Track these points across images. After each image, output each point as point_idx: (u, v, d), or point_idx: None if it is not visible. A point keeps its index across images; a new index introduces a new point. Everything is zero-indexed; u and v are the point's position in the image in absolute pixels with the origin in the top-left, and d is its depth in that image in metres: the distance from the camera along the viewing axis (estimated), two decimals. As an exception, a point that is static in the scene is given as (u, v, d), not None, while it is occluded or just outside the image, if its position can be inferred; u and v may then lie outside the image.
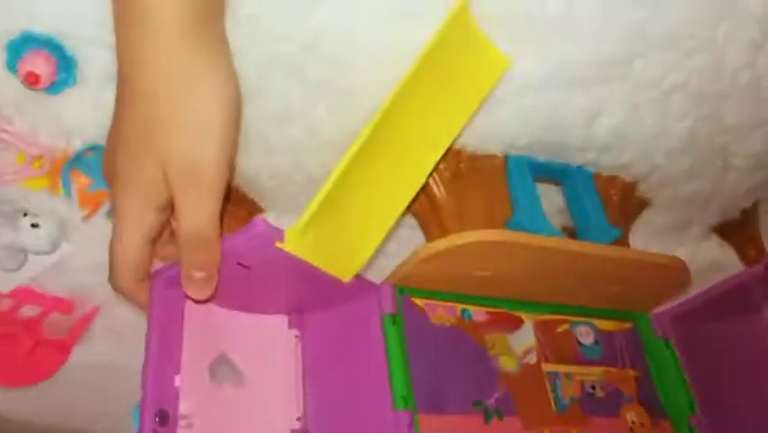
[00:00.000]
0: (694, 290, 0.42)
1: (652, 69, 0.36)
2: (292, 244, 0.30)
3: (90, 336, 0.45)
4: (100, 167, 0.31)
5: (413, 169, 0.35)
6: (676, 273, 0.39)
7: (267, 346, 0.34)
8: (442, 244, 0.35)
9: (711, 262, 0.47)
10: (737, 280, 0.39)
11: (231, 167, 0.29)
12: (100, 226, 0.39)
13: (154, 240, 0.30)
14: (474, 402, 0.35)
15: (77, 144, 0.35)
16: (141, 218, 0.29)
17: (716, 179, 0.43)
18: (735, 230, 0.46)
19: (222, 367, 0.33)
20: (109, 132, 0.30)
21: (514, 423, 0.35)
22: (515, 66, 0.35)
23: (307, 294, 0.35)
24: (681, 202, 0.44)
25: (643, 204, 0.45)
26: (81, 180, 0.37)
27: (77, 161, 0.36)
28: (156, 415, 0.27)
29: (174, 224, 0.31)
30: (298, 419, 0.33)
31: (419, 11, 0.32)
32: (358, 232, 0.34)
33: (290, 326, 0.36)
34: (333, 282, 0.33)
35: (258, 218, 0.29)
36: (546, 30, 0.33)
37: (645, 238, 0.47)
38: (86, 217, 0.38)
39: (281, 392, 0.33)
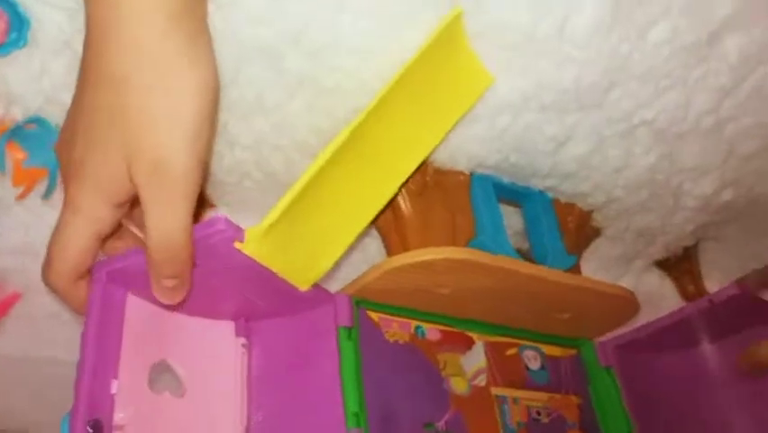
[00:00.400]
0: (634, 321, 0.43)
1: (625, 102, 0.37)
2: (252, 247, 0.28)
3: (4, 324, 0.41)
4: (40, 142, 0.28)
5: (384, 180, 0.34)
6: (626, 304, 0.40)
7: (211, 354, 0.32)
8: (406, 258, 0.34)
9: (651, 294, 0.48)
10: (682, 315, 0.40)
11: (204, 164, 0.26)
12: (31, 207, 0.36)
13: (105, 238, 0.27)
14: (425, 424, 0.34)
15: (18, 114, 0.31)
16: (95, 213, 0.26)
17: (666, 216, 0.44)
18: (675, 265, 0.48)
19: (162, 374, 0.30)
20: (69, 113, 0.27)
21: (462, 447, 0.34)
22: (496, 83, 0.35)
23: (258, 300, 0.32)
24: (631, 235, 0.45)
25: (595, 233, 0.45)
26: (17, 155, 0.33)
27: (15, 133, 0.32)
28: (88, 425, 0.24)
29: (125, 222, 0.28)
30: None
31: (411, 15, 0.31)
32: (320, 240, 0.32)
33: (237, 333, 0.33)
34: (288, 290, 0.31)
35: (219, 215, 0.27)
36: (534, 50, 0.33)
37: (593, 267, 0.48)
38: (20, 196, 0.34)
39: (224, 404, 0.31)
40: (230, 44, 0.29)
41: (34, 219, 0.36)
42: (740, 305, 0.38)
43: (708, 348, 0.42)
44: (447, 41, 0.32)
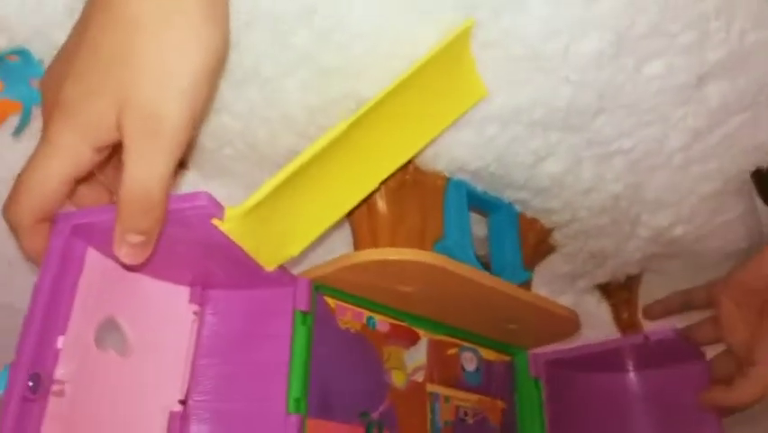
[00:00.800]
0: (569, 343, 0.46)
1: (608, 129, 0.38)
2: (229, 225, 0.27)
3: None
4: (19, 75, 0.26)
5: (366, 176, 0.34)
6: (569, 324, 0.42)
7: (161, 317, 0.31)
8: (374, 254, 0.34)
9: (588, 314, 0.51)
10: (616, 345, 0.42)
11: (195, 126, 0.25)
12: None
13: (77, 182, 0.26)
14: (360, 413, 0.35)
15: (2, 43, 0.28)
16: (74, 153, 0.25)
17: (619, 242, 0.46)
18: (615, 292, 0.50)
19: (110, 332, 0.29)
20: (64, 50, 0.25)
21: (392, 439, 0.36)
22: (493, 94, 0.35)
23: (219, 271, 0.32)
24: (584, 255, 0.47)
25: (550, 250, 0.47)
26: None
27: None
28: (30, 379, 0.23)
29: (97, 173, 0.27)
30: (181, 402, 0.30)
31: (427, 12, 0.30)
32: (294, 226, 0.32)
33: (191, 300, 0.33)
34: (253, 267, 0.31)
35: (202, 191, 0.26)
36: (537, 66, 0.33)
37: (537, 280, 0.50)
38: None
39: (168, 370, 0.31)
40: (242, 6, 0.27)
41: None
42: (672, 346, 0.41)
43: (632, 376, 0.45)
44: (453, 49, 0.32)
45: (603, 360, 0.44)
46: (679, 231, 0.46)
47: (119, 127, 0.24)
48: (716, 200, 0.45)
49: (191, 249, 0.29)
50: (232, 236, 0.28)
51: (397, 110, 0.32)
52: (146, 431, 0.29)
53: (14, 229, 0.26)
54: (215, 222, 0.26)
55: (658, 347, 0.41)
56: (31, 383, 0.24)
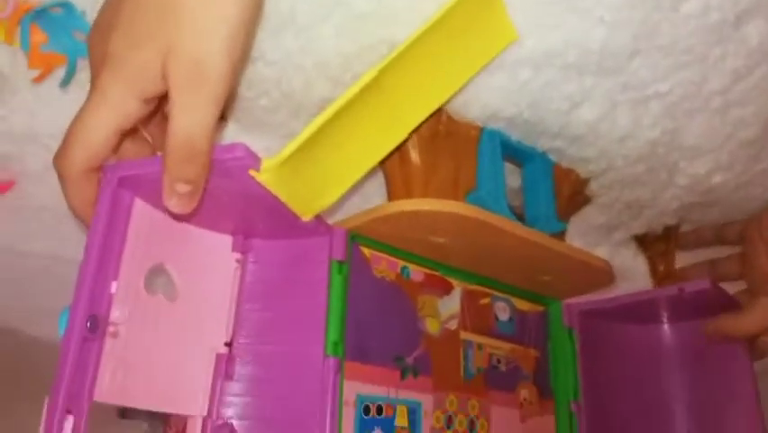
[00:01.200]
0: (604, 290, 0.46)
1: (644, 71, 0.37)
2: (265, 176, 0.28)
3: None
4: (63, 27, 0.27)
5: (398, 124, 0.34)
6: (604, 275, 0.42)
7: (206, 264, 0.33)
8: (408, 205, 0.34)
9: (623, 268, 0.51)
10: (650, 296, 0.42)
11: (236, 74, 0.26)
12: (41, 93, 0.34)
13: (125, 133, 0.27)
14: (395, 357, 0.36)
15: None
16: (122, 104, 0.26)
17: (656, 192, 0.46)
18: (652, 243, 0.50)
19: (158, 277, 0.31)
20: (109, 3, 0.26)
21: (425, 382, 0.37)
22: (524, 37, 0.34)
23: (260, 222, 0.33)
24: (620, 205, 0.47)
25: (586, 201, 0.47)
26: (36, 37, 0.32)
27: (39, 15, 0.31)
28: (87, 320, 0.25)
29: (140, 128, 0.28)
30: (226, 344, 0.32)
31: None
32: (329, 174, 0.32)
33: (234, 248, 0.34)
34: (290, 217, 0.32)
35: (239, 143, 0.27)
36: (569, 6, 0.33)
37: (573, 232, 0.50)
38: (37, 79, 0.33)
39: (213, 313, 0.32)
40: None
41: (42, 106, 0.35)
42: (707, 298, 0.40)
43: (666, 328, 0.45)
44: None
45: (638, 311, 0.44)
46: (717, 179, 0.45)
47: (165, 77, 0.25)
48: (755, 146, 0.43)
49: (233, 199, 0.30)
50: (268, 186, 0.29)
51: (427, 55, 0.32)
52: (194, 371, 0.31)
53: (62, 178, 0.28)
54: (252, 173, 0.27)
55: (693, 299, 0.41)
56: (88, 324, 0.25)
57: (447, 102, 0.37)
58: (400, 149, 0.37)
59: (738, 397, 0.41)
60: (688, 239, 0.50)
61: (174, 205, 0.27)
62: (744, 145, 0.43)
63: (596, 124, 0.40)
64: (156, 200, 0.30)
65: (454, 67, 0.35)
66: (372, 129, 0.33)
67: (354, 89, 0.30)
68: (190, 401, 0.30)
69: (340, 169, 0.33)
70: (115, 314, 0.27)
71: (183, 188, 0.26)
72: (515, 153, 0.42)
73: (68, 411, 0.24)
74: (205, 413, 0.30)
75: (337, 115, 0.30)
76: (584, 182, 0.45)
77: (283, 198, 0.30)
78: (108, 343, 0.27)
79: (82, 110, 0.27)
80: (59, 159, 0.27)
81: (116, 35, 0.25)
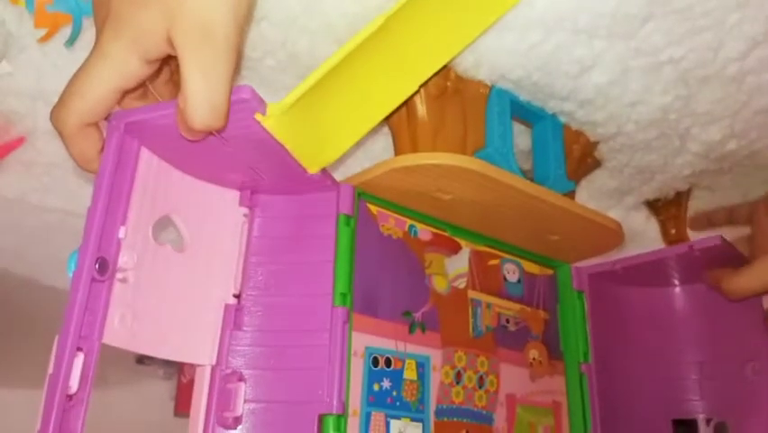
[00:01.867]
0: (613, 253, 0.46)
1: (657, 37, 0.36)
2: (271, 121, 0.28)
3: (4, 164, 0.41)
4: None
5: (405, 77, 0.34)
6: (612, 235, 0.42)
7: (213, 218, 0.33)
8: (415, 159, 0.34)
9: (634, 231, 0.50)
10: (660, 255, 0.42)
11: (243, 32, 0.26)
12: (48, 52, 0.35)
13: (125, 92, 0.27)
14: (404, 312, 0.36)
15: None
16: (123, 63, 0.26)
17: (668, 158, 0.45)
18: (664, 207, 0.49)
19: (166, 229, 0.31)
20: None
21: (434, 338, 0.37)
22: (537, -3, 0.34)
23: (265, 175, 0.33)
24: (630, 170, 0.46)
25: (596, 164, 0.46)
26: None
27: None
28: (96, 262, 0.26)
29: (149, 85, 0.28)
30: (235, 296, 0.32)
31: None
32: (336, 126, 0.32)
33: (241, 203, 0.34)
34: (297, 170, 0.32)
35: (245, 85, 0.27)
36: None
37: (585, 195, 0.49)
38: (43, 39, 0.34)
39: (221, 266, 0.33)
40: None
41: (49, 65, 0.36)
42: (717, 255, 0.40)
43: (677, 290, 0.45)
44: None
45: (648, 273, 0.44)
46: (731, 146, 0.45)
47: (170, 40, 0.25)
48: None
49: (239, 151, 0.30)
50: (274, 134, 0.29)
51: (435, 8, 0.32)
52: (203, 321, 0.31)
53: (59, 131, 0.28)
54: (259, 117, 0.28)
55: (704, 257, 0.40)
56: (97, 266, 0.26)
57: (454, 58, 0.37)
58: (408, 105, 0.37)
59: (755, 357, 0.41)
60: (699, 220, 0.50)
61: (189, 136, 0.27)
62: (759, 113, 0.42)
63: (606, 88, 0.39)
64: (162, 150, 0.30)
65: (462, 22, 0.35)
66: (381, 81, 0.33)
67: (361, 35, 0.30)
68: (199, 351, 0.31)
69: (348, 120, 0.33)
70: (123, 259, 0.27)
71: (198, 136, 0.27)
72: (524, 113, 0.41)
73: (79, 349, 0.24)
74: (213, 362, 0.31)
75: (344, 63, 0.29)
76: (594, 145, 0.45)
77: (289, 147, 0.30)
78: (117, 287, 0.27)
79: (83, 66, 0.27)
80: (56, 111, 0.28)
81: None
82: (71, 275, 0.25)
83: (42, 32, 0.34)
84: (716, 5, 0.35)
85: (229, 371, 0.31)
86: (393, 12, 0.30)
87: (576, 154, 0.44)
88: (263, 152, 0.30)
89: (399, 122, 0.38)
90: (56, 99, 0.37)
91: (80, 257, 0.26)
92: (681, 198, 0.49)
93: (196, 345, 0.31)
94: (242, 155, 0.31)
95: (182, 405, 0.62)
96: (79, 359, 0.24)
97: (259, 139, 0.29)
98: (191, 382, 0.62)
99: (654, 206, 0.49)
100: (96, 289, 0.26)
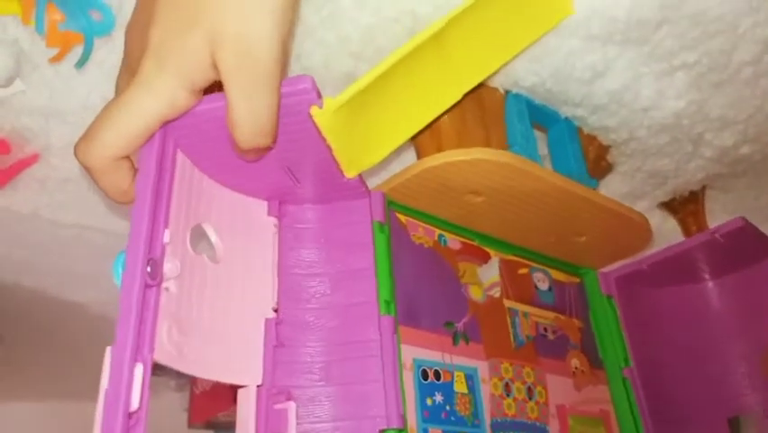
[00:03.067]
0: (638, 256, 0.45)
1: (670, 42, 0.37)
2: (325, 117, 0.27)
3: (17, 182, 0.40)
4: (80, 6, 0.27)
5: (452, 85, 0.34)
6: (640, 231, 0.42)
7: (243, 229, 0.32)
8: (449, 156, 0.34)
9: (655, 231, 0.50)
10: (683, 247, 0.42)
11: (287, 49, 0.26)
12: (60, 71, 0.35)
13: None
14: (445, 323, 0.35)
15: None
16: (169, 95, 0.25)
17: (680, 162, 0.46)
18: (681, 205, 0.50)
19: (200, 237, 0.29)
20: None
21: (478, 349, 0.36)
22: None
23: (302, 179, 0.32)
24: (643, 175, 0.47)
25: (609, 169, 0.47)
26: (54, 16, 0.31)
27: None
28: (148, 264, 0.24)
29: None
30: (274, 310, 0.31)
31: None
32: (380, 129, 0.32)
33: (269, 213, 0.33)
34: (333, 175, 0.31)
35: (306, 75, 0.26)
36: None
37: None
38: (55, 59, 0.33)
39: (256, 279, 0.31)
40: None
41: (62, 84, 0.35)
42: (742, 240, 0.40)
43: (708, 285, 0.45)
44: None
45: (677, 269, 0.43)
46: (745, 150, 0.45)
47: (217, 67, 0.24)
48: None
49: (281, 150, 0.29)
50: (324, 131, 0.28)
51: (486, 18, 0.32)
52: (244, 337, 0.29)
53: (90, 167, 0.26)
54: (314, 111, 0.27)
55: (729, 243, 0.40)
56: (149, 269, 0.24)
57: (498, 70, 0.37)
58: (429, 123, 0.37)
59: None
60: None
61: (244, 159, 0.28)
62: None
63: (619, 94, 0.40)
64: (196, 155, 0.29)
65: (510, 34, 0.35)
66: (424, 90, 0.33)
67: (418, 39, 0.29)
68: (243, 369, 0.28)
69: (391, 125, 0.32)
70: (168, 265, 0.25)
71: (252, 155, 0.27)
72: (539, 116, 0.42)
73: (137, 361, 0.22)
74: (259, 382, 0.28)
75: (397, 66, 0.29)
76: (606, 149, 0.45)
77: (334, 146, 0.29)
78: (163, 297, 0.25)
79: (123, 98, 0.25)
80: (85, 146, 0.26)
81: (157, 22, 0.25)
82: (119, 279, 0.23)
83: (54, 51, 0.33)
84: (728, 10, 0.35)
85: (275, 391, 0.29)
86: (450, 18, 0.30)
87: (591, 156, 0.44)
88: (306, 152, 0.29)
89: (424, 139, 0.38)
90: (68, 117, 0.36)
91: (129, 259, 0.23)
92: (696, 195, 0.49)
93: (240, 363, 0.28)
94: (282, 156, 0.30)
95: (196, 416, 0.59)
96: (139, 371, 0.22)
97: (306, 136, 0.28)
98: (204, 394, 0.58)
99: (671, 205, 0.50)
100: (148, 295, 0.24)
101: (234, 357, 0.28)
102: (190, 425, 0.60)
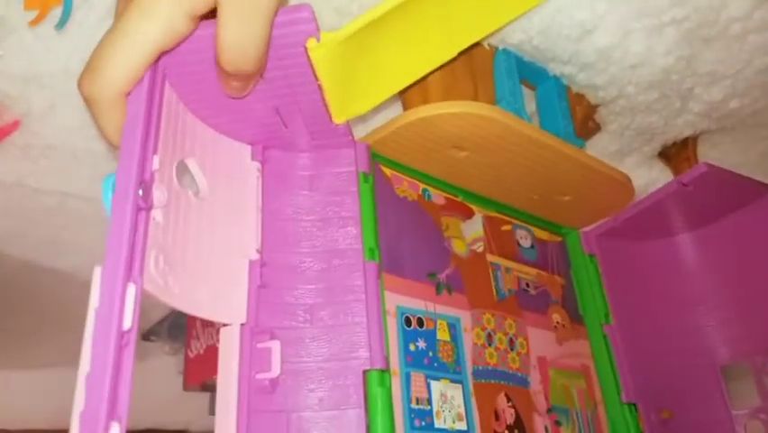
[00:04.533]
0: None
1: None
2: (320, 52, 0.28)
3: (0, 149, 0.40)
4: None
5: (450, 39, 0.34)
6: (623, 191, 0.43)
7: (226, 171, 0.32)
8: (433, 108, 0.34)
9: (642, 187, 0.51)
10: (655, 199, 0.43)
11: None
12: (41, 34, 0.34)
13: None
14: (429, 273, 0.36)
15: None
16: (169, 20, 0.25)
17: (669, 119, 0.47)
18: (675, 153, 0.50)
19: (184, 174, 0.30)
20: None
21: (461, 299, 0.37)
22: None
23: (290, 122, 0.32)
24: (631, 133, 0.48)
25: (596, 129, 0.48)
26: None
27: None
28: (140, 186, 0.24)
29: None
30: (258, 251, 0.31)
31: None
32: (370, 78, 0.32)
33: (253, 156, 0.33)
34: (322, 119, 0.32)
35: (306, 5, 0.26)
36: None
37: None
38: (34, 22, 0.33)
39: (240, 221, 0.32)
40: None
41: (42, 47, 0.35)
42: (712, 187, 0.41)
43: (686, 237, 0.46)
44: None
45: (652, 223, 0.44)
46: (734, 104, 0.46)
47: None
48: None
49: (272, 87, 0.29)
50: (318, 68, 0.28)
51: None
52: (228, 278, 0.30)
53: (96, 103, 0.26)
54: (310, 44, 0.27)
55: (699, 190, 0.40)
56: (140, 192, 0.24)
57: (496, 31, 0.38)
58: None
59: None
60: None
61: (228, 92, 0.28)
62: (762, 71, 0.44)
63: (608, 51, 0.40)
64: (182, 89, 0.29)
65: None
66: (425, 40, 0.33)
67: None
68: (227, 308, 0.29)
69: (385, 73, 0.33)
70: (156, 193, 0.25)
71: (235, 84, 0.27)
72: (528, 73, 0.42)
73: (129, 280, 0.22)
74: (243, 321, 0.29)
75: (396, 13, 0.29)
76: (594, 108, 0.46)
77: (326, 86, 0.30)
78: (151, 225, 0.25)
79: (118, 28, 0.25)
80: (90, 80, 0.25)
81: None
82: (109, 202, 0.23)
83: (33, 14, 0.33)
84: None
85: (259, 330, 0.29)
86: None
87: (579, 116, 0.45)
88: (297, 90, 0.30)
89: (411, 94, 0.38)
90: (49, 81, 0.36)
91: (121, 180, 0.23)
92: (688, 141, 0.50)
93: (224, 302, 0.29)
94: (272, 94, 0.30)
95: (191, 379, 0.60)
96: (131, 291, 0.22)
97: (299, 72, 0.28)
98: (198, 357, 0.59)
99: (664, 154, 0.50)
100: (139, 218, 0.24)
101: (218, 296, 0.29)
102: (186, 388, 0.61)
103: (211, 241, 0.30)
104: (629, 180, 0.42)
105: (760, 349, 0.42)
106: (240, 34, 0.25)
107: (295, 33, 0.27)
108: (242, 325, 0.29)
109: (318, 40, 0.27)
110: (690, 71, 0.43)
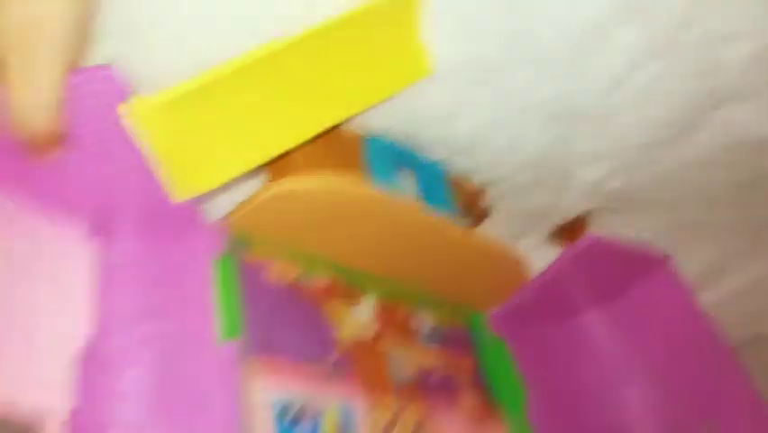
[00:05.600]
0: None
1: (522, 79, 0.38)
2: (141, 117, 0.26)
3: None
4: None
5: (305, 119, 0.33)
6: (515, 265, 0.42)
7: (51, 259, 0.29)
8: (302, 181, 0.33)
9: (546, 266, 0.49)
10: (548, 275, 0.41)
11: (84, 29, 0.25)
12: None
13: None
14: (311, 360, 0.33)
15: None
16: None
17: (555, 199, 0.47)
18: (567, 232, 0.50)
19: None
20: None
21: (351, 385, 0.33)
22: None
23: (122, 199, 0.30)
24: (522, 214, 0.48)
25: (486, 213, 0.48)
26: None
27: None
28: None
29: None
30: (91, 335, 0.28)
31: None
32: (223, 148, 0.30)
33: (82, 241, 0.30)
34: (159, 195, 0.29)
35: (105, 66, 0.25)
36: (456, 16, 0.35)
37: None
38: None
39: (67, 304, 0.28)
40: None
41: None
42: (603, 261, 0.40)
43: (594, 315, 0.44)
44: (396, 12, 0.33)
45: (556, 302, 0.43)
46: (616, 183, 0.46)
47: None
48: (650, 149, 0.44)
49: (91, 161, 0.27)
50: (145, 136, 0.26)
51: (329, 59, 0.32)
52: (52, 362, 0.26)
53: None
54: (123, 110, 0.25)
55: (589, 266, 0.40)
56: None
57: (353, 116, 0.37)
58: (282, 164, 0.36)
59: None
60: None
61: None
62: (639, 149, 0.44)
63: (477, 134, 0.41)
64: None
65: (360, 83, 0.35)
66: (286, 108, 0.32)
67: (251, 55, 0.28)
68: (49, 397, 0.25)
69: (239, 143, 0.31)
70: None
71: (35, 153, 0.25)
72: (403, 159, 0.42)
73: None
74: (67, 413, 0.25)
75: (250, 72, 0.28)
76: (480, 191, 0.46)
77: (160, 158, 0.27)
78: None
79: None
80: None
81: None
82: None
83: None
84: (569, 54, 0.36)
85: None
86: (286, 44, 0.29)
87: (463, 200, 0.45)
88: (122, 164, 0.28)
89: (276, 168, 0.38)
90: None
91: None
92: (578, 221, 0.49)
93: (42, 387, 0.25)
94: (95, 168, 0.28)
95: None
96: None
97: (115, 139, 0.26)
98: None
99: (558, 235, 0.50)
100: None
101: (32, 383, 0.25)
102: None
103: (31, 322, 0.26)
104: (520, 256, 0.42)
105: (690, 420, 0.39)
106: (25, 95, 0.23)
107: (95, 95, 0.25)
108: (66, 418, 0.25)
109: (128, 103, 0.25)
110: (567, 150, 0.43)
